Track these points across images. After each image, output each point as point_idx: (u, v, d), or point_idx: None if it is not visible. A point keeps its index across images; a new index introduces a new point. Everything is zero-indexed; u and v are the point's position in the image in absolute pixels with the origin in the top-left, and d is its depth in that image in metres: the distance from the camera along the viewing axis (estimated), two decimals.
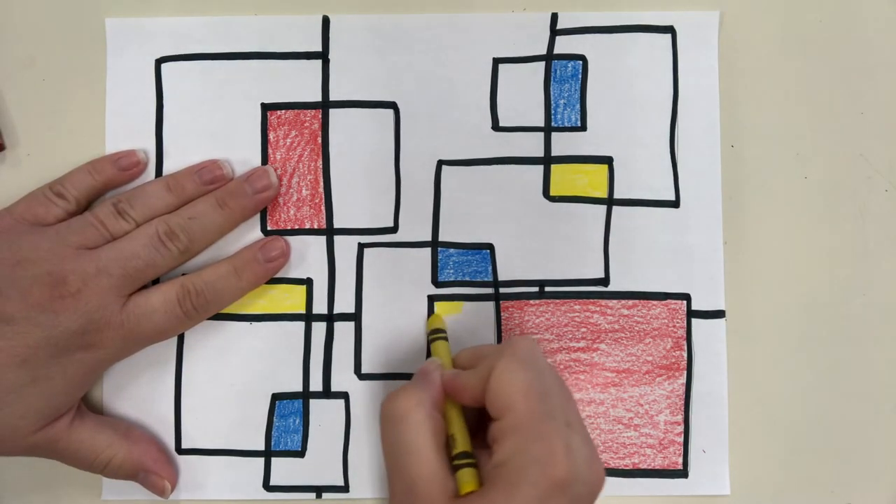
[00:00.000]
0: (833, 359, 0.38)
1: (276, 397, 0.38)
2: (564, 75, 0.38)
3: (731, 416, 0.38)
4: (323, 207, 0.38)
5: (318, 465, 0.38)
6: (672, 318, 0.38)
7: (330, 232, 0.38)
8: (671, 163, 0.38)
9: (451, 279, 0.38)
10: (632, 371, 0.38)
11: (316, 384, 0.38)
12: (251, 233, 0.38)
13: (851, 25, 0.39)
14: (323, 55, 0.38)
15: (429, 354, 0.37)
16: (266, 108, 0.38)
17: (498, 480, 0.29)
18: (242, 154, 0.38)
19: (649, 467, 0.38)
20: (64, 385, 0.33)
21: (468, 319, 0.38)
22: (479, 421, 0.33)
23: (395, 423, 0.31)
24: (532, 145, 0.38)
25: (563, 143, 0.38)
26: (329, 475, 0.38)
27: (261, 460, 0.38)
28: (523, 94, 0.38)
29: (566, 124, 0.38)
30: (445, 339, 0.36)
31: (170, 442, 0.38)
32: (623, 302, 0.38)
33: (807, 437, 0.38)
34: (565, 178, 0.38)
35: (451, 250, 0.38)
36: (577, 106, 0.38)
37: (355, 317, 0.38)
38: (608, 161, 0.38)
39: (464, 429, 0.32)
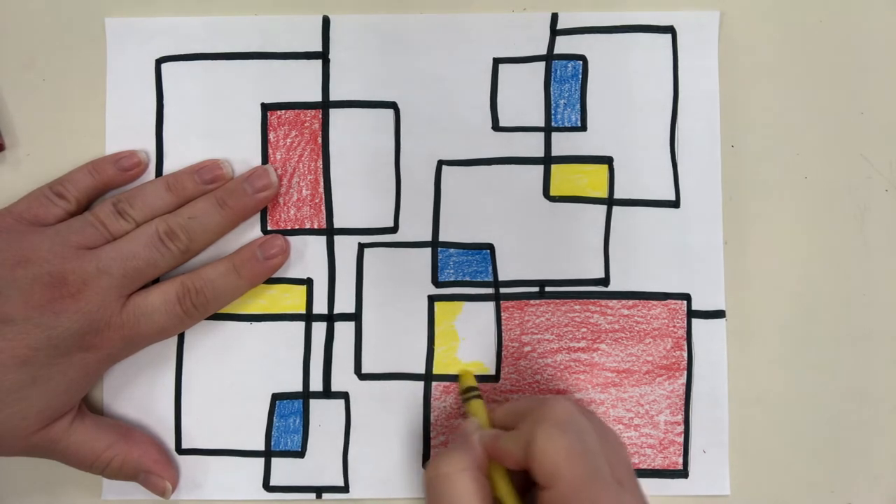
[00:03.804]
0: (833, 359, 0.38)
1: (276, 397, 0.38)
2: (564, 75, 0.38)
3: (731, 416, 0.38)
4: (323, 207, 0.38)
5: (318, 465, 0.38)
6: (672, 318, 0.38)
7: (330, 232, 0.38)
8: (671, 163, 0.38)
9: (451, 279, 0.38)
10: (632, 371, 0.38)
11: (316, 384, 0.38)
12: (251, 232, 0.38)
13: (851, 25, 0.39)
14: (323, 55, 0.38)
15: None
16: (266, 108, 0.38)
17: None
18: (242, 154, 0.38)
19: (649, 467, 0.38)
20: (64, 386, 0.33)
21: (468, 319, 0.38)
22: (526, 479, 0.32)
23: (441, 490, 0.30)
24: (532, 145, 0.38)
25: (564, 143, 0.38)
26: (329, 475, 0.38)
27: (261, 460, 0.38)
28: (523, 94, 0.38)
29: (566, 124, 0.38)
30: (480, 396, 0.36)
31: (170, 442, 0.38)
32: (623, 302, 0.38)
33: (807, 437, 0.38)
34: (565, 178, 0.38)
35: (451, 250, 0.38)
36: (578, 106, 0.38)
37: (355, 317, 0.38)
38: (608, 161, 0.38)
39: (511, 491, 0.31)
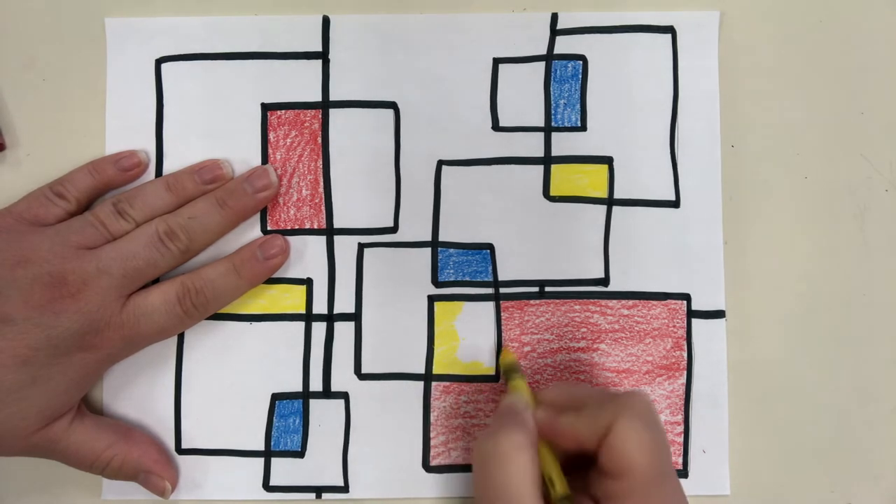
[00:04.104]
0: (833, 359, 0.38)
1: (276, 397, 0.38)
2: (564, 75, 0.38)
3: (731, 416, 0.38)
4: (323, 207, 0.38)
5: (318, 465, 0.38)
6: (672, 318, 0.38)
7: (330, 232, 0.38)
8: (671, 163, 0.38)
9: (451, 279, 0.38)
10: (632, 371, 0.38)
11: (316, 384, 0.38)
12: (251, 232, 0.38)
13: (851, 25, 0.39)
14: (323, 55, 0.38)
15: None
16: (266, 108, 0.38)
17: None
18: (242, 154, 0.38)
19: None
20: (64, 385, 0.33)
21: (468, 319, 0.38)
22: (566, 458, 0.32)
23: (496, 466, 0.30)
24: (532, 145, 0.38)
25: (563, 143, 0.38)
26: (329, 475, 0.38)
27: (261, 460, 0.38)
28: (523, 94, 0.38)
29: (566, 124, 0.38)
30: (523, 375, 0.36)
31: (170, 442, 0.38)
32: (623, 302, 0.38)
33: (807, 437, 0.38)
34: (565, 178, 0.38)
35: (451, 250, 0.38)
36: (577, 106, 0.38)
37: (355, 317, 0.38)
38: (608, 161, 0.38)
39: (560, 470, 0.32)
